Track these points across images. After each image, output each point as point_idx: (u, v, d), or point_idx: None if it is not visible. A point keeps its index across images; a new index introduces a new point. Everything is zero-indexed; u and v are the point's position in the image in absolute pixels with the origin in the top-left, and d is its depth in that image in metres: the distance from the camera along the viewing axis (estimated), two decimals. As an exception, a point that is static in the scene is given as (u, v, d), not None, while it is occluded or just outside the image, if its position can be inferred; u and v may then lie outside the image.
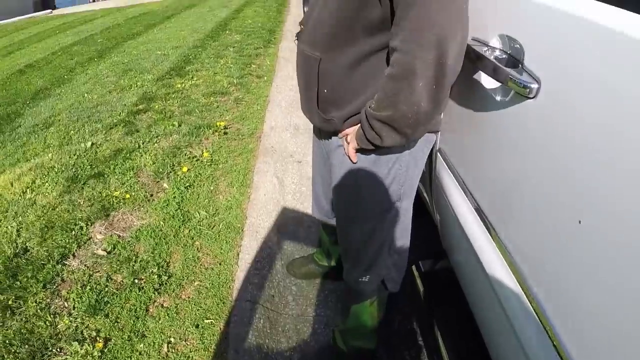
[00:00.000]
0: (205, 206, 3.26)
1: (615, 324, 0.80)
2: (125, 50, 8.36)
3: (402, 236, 1.68)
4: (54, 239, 2.93)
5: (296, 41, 1.55)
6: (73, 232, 2.98)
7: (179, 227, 3.03)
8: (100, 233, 2.97)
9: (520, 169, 1.12)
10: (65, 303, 2.45)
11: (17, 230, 3.06)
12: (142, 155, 3.92)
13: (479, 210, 1.37)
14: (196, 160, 3.86)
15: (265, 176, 3.73)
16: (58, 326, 2.31)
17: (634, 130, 0.74)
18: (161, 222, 3.07)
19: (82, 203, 3.29)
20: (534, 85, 0.99)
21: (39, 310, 2.39)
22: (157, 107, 5.09)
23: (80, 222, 3.06)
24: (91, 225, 3.06)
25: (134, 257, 2.77)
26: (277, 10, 12.25)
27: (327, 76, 1.41)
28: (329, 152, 1.64)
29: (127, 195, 3.32)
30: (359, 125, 1.37)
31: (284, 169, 3.88)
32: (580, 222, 0.87)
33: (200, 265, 2.73)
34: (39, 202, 3.36)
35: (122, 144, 4.17)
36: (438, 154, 1.69)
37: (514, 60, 1.11)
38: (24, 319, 2.35)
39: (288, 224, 3.14)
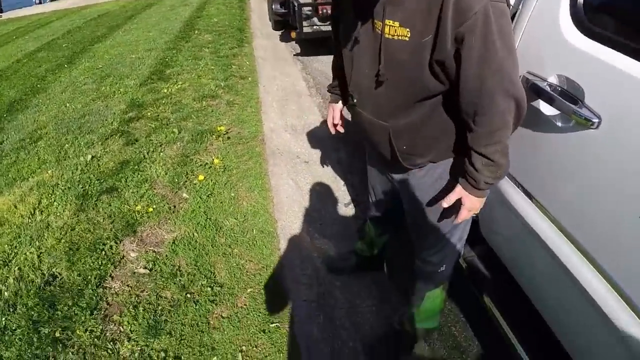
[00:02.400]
0: (232, 213, 3.24)
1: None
2: (96, 55, 8.13)
3: (468, 229, 1.93)
4: (83, 262, 2.85)
5: (352, 105, 1.71)
6: (103, 252, 2.91)
7: (214, 236, 3.01)
8: (133, 250, 2.91)
9: (585, 184, 1.41)
10: (121, 327, 2.40)
11: (39, 256, 2.96)
12: (151, 166, 3.84)
13: (549, 217, 1.61)
14: (209, 168, 3.82)
15: (280, 179, 3.74)
16: (120, 352, 2.26)
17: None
18: (194, 233, 3.03)
19: (102, 221, 3.21)
20: (596, 120, 1.29)
21: (95, 339, 2.33)
22: (149, 114, 4.99)
23: (107, 241, 2.99)
24: (120, 243, 2.99)
25: (178, 272, 2.74)
26: (238, 7, 12.16)
27: (401, 137, 1.60)
28: (412, 179, 1.80)
29: (150, 209, 3.26)
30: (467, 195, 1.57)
31: (295, 170, 3.89)
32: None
33: (247, 272, 2.74)
34: (54, 223, 3.26)
35: (126, 155, 4.08)
36: None
37: (572, 97, 1.39)
38: (80, 350, 2.29)
39: (316, 223, 3.19)
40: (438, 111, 1.52)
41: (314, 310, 2.50)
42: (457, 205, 1.63)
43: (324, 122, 4.90)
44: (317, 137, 4.56)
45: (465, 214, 1.61)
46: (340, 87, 2.10)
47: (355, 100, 1.67)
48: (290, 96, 5.73)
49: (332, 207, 3.41)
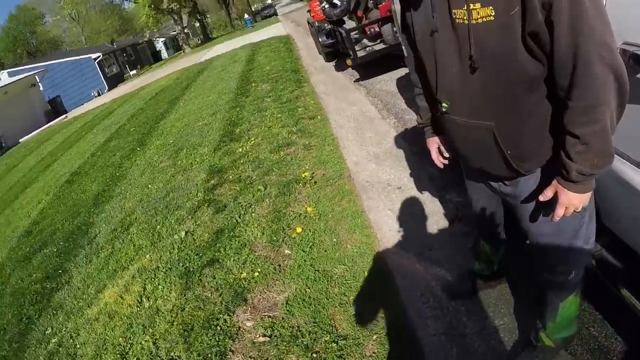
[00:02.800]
0: (339, 260, 3.09)
1: None
2: (164, 131, 8.37)
3: (594, 227, 1.78)
4: (200, 341, 2.76)
5: (443, 113, 1.62)
6: (218, 328, 2.81)
7: (326, 288, 2.86)
8: (248, 320, 2.79)
9: None
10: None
11: (154, 343, 2.91)
12: (246, 229, 3.76)
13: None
14: (304, 218, 3.69)
15: (378, 212, 3.57)
16: None
17: None
18: (306, 289, 2.89)
19: (210, 295, 3.13)
20: None
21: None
22: (231, 177, 4.97)
23: (220, 315, 2.89)
24: (233, 314, 2.88)
25: (298, 333, 2.60)
26: (286, 49, 12.34)
27: (507, 136, 1.49)
28: (516, 187, 1.70)
29: (256, 274, 3.15)
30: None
31: (390, 199, 3.72)
32: None
33: (367, 318, 2.57)
34: (163, 307, 3.21)
35: (218, 224, 4.02)
36: None
37: None
38: None
39: (425, 250, 3.01)
40: (543, 104, 1.43)
41: (445, 343, 2.33)
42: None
43: (404, 141, 4.75)
44: (402, 159, 4.39)
45: (561, 212, 1.50)
46: (429, 105, 1.96)
47: (446, 107, 1.59)
48: (363, 124, 5.63)
49: (437, 230, 3.21)
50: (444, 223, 3.25)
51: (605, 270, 2.04)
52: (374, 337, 2.45)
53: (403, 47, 1.85)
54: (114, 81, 35.91)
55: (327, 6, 7.09)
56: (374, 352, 2.36)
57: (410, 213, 3.49)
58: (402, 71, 7.27)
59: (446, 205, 3.44)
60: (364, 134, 5.31)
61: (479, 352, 2.24)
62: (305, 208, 3.82)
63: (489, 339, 2.30)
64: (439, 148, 2.06)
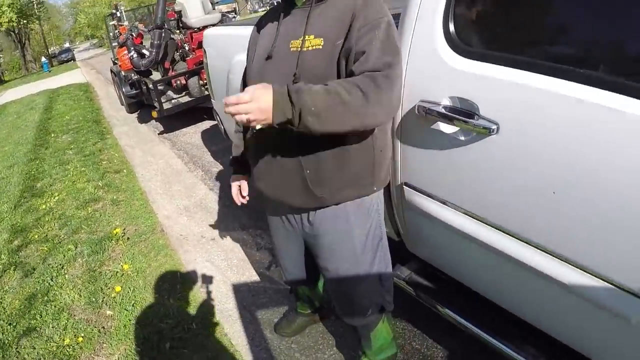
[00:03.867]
0: (164, 315, 3.20)
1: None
2: (-52, 187, 7.57)
3: (388, 266, 2.02)
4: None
5: (257, 133, 1.72)
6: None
7: (159, 346, 2.94)
8: (78, 389, 2.80)
9: (494, 178, 1.63)
10: None
11: None
12: (61, 292, 3.65)
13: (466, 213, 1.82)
14: (121, 276, 3.72)
15: (197, 264, 3.74)
16: None
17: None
18: (137, 349, 2.95)
19: (31, 368, 3.04)
20: (494, 126, 1.52)
21: None
22: (36, 236, 4.73)
23: (46, 389, 2.85)
24: (61, 386, 2.86)
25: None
26: (86, 98, 11.90)
27: (308, 157, 1.67)
28: (313, 225, 1.88)
29: (80, 339, 3.10)
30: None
31: (206, 251, 3.94)
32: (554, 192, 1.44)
33: None
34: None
35: (29, 289, 3.83)
36: (404, 187, 2.07)
37: (468, 112, 1.61)
38: None
39: (249, 296, 3.26)
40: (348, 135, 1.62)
41: None
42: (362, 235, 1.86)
43: (213, 193, 5.02)
44: (213, 210, 4.65)
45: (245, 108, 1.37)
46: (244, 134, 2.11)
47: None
48: (170, 177, 5.74)
49: (256, 274, 3.49)
50: (262, 269, 3.54)
51: (417, 290, 2.30)
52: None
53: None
54: None
55: (135, 56, 7.11)
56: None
57: (229, 262, 3.72)
58: (207, 124, 7.53)
59: (262, 251, 3.76)
60: (172, 187, 5.43)
61: None
62: (122, 265, 3.84)
63: None
64: (240, 187, 2.21)
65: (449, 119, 1.67)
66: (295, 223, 1.96)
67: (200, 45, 7.44)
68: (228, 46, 3.73)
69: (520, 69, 1.47)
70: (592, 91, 1.29)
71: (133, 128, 8.41)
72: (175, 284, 3.52)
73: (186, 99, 7.42)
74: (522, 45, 1.57)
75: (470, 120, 1.58)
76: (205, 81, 7.23)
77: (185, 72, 7.36)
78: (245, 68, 2.01)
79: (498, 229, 1.68)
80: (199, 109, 7.68)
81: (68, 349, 3.07)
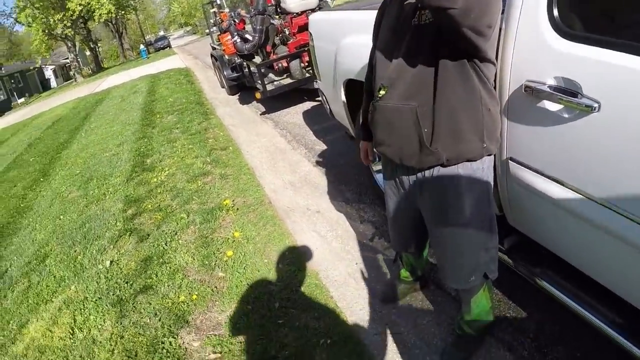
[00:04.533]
0: (274, 278, 3.21)
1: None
2: (68, 162, 8.03)
3: (494, 235, 2.04)
4: (147, 366, 2.77)
5: (378, 102, 1.88)
6: (165, 351, 2.81)
7: (267, 305, 2.96)
8: (194, 340, 2.83)
9: (595, 153, 1.66)
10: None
11: (96, 375, 2.86)
12: (175, 256, 3.77)
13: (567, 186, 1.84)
14: (232, 242, 3.78)
15: (303, 234, 3.74)
16: None
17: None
18: (247, 307, 2.98)
19: (149, 321, 3.11)
20: (596, 104, 1.56)
21: None
22: (149, 206, 4.92)
23: (164, 339, 2.89)
24: (177, 337, 2.90)
25: (248, 347, 2.68)
26: (187, 82, 12.28)
27: (426, 117, 1.74)
28: (427, 186, 1.94)
29: (194, 296, 3.18)
30: None
31: (312, 222, 3.91)
32: None
33: (312, 329, 2.72)
34: (99, 337, 3.13)
35: (145, 252, 3.99)
36: (510, 161, 2.11)
37: (572, 91, 1.66)
38: None
39: (352, 264, 3.25)
40: (457, 96, 1.72)
41: (386, 341, 2.55)
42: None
43: (317, 169, 5.01)
44: (318, 186, 4.62)
45: None
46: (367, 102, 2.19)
47: (382, 94, 1.83)
48: (275, 155, 5.78)
49: (359, 245, 3.45)
50: (365, 240, 3.48)
51: (516, 263, 2.31)
52: (321, 341, 2.60)
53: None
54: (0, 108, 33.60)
55: (238, 40, 7.25)
56: (323, 358, 2.50)
57: (333, 233, 3.68)
58: (307, 105, 7.54)
59: (365, 224, 3.70)
60: (277, 163, 5.47)
61: (417, 345, 2.48)
62: (233, 233, 3.90)
63: (423, 334, 2.55)
64: (367, 151, 2.40)
65: (554, 98, 1.75)
66: (409, 187, 2.03)
67: (300, 29, 7.48)
68: (336, 30, 3.74)
69: (621, 51, 1.53)
70: None
71: (235, 109, 8.58)
72: (284, 250, 3.52)
73: (288, 80, 7.46)
74: (622, 29, 1.66)
75: (574, 98, 1.66)
76: (306, 63, 7.28)
77: (287, 55, 7.40)
78: (372, 48, 2.10)
79: (600, 204, 1.72)
80: (300, 91, 7.71)
81: (182, 305, 3.15)
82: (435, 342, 2.48)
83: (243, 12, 8.49)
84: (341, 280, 3.09)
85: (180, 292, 3.30)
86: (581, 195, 1.80)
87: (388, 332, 2.60)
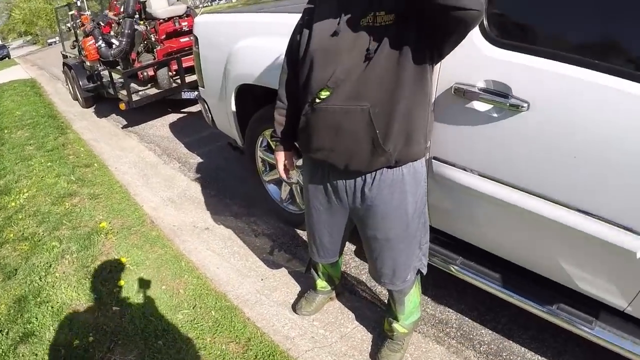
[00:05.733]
0: (177, 306, 2.94)
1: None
2: None
3: (427, 231, 2.14)
4: None
5: (319, 105, 1.80)
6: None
7: (175, 338, 2.69)
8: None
9: (522, 149, 1.90)
10: None
11: None
12: (55, 292, 3.25)
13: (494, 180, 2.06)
14: (120, 270, 3.38)
15: (200, 254, 3.52)
16: None
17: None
18: (157, 343, 2.68)
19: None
20: (525, 104, 1.80)
21: None
22: (11, 236, 4.24)
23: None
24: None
25: None
26: (35, 94, 11.16)
27: (379, 118, 1.73)
28: (370, 194, 1.93)
29: (90, 339, 2.76)
30: None
31: (204, 240, 3.71)
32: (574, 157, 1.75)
33: (233, 354, 2.57)
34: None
35: (16, 291, 3.36)
36: (433, 160, 2.26)
37: (502, 93, 1.87)
38: None
39: (258, 282, 3.14)
40: (413, 98, 1.74)
41: (320, 355, 2.49)
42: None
43: (196, 184, 4.79)
44: (199, 200, 4.43)
45: None
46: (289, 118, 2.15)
47: (325, 96, 1.77)
48: (146, 170, 5.38)
49: (261, 260, 3.36)
50: (265, 254, 3.39)
51: (432, 256, 2.45)
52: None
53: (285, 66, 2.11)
54: None
55: (103, 45, 6.66)
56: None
57: (230, 250, 3.51)
58: (173, 117, 7.18)
59: (260, 237, 3.62)
60: (151, 179, 5.08)
61: (348, 354, 2.47)
62: (118, 259, 3.51)
63: (352, 341, 2.56)
64: (287, 161, 2.28)
65: (484, 99, 1.92)
66: (345, 197, 2.01)
67: (168, 36, 7.08)
68: (229, 33, 3.53)
69: (548, 58, 1.78)
70: (600, 76, 1.64)
71: (93, 122, 7.87)
72: (181, 273, 3.26)
73: (154, 90, 6.97)
74: (548, 38, 1.88)
75: (504, 99, 1.86)
76: (174, 72, 6.91)
77: (155, 63, 6.90)
78: (290, 48, 2.06)
79: (525, 192, 1.97)
80: (163, 102, 7.23)
81: (78, 352, 2.74)
82: (365, 347, 2.51)
83: (111, 14, 7.80)
84: (253, 299, 2.93)
85: (73, 336, 2.85)
86: (509, 187, 2.01)
87: (318, 346, 2.53)
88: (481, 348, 2.48)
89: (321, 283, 2.73)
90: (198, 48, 3.88)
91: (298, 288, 3.01)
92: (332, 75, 1.74)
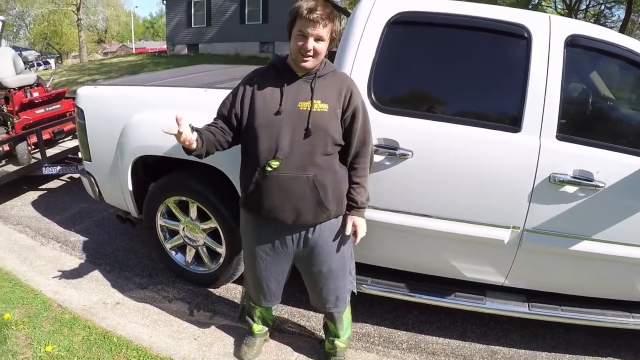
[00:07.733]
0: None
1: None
2: None
3: (354, 258, 2.71)
4: None
5: (270, 173, 2.25)
6: None
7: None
8: None
9: (411, 185, 2.87)
10: None
11: None
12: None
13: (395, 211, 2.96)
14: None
15: (125, 328, 3.56)
16: None
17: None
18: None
19: None
20: (410, 153, 2.73)
21: None
22: None
23: None
24: None
25: None
26: None
27: (321, 184, 2.29)
28: (315, 237, 2.44)
29: None
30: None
31: (122, 314, 3.74)
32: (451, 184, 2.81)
33: None
34: None
35: None
36: None
37: (391, 147, 2.78)
38: None
39: (194, 341, 3.33)
40: (338, 166, 2.40)
41: None
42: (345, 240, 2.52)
43: (88, 261, 4.68)
44: (96, 278, 4.34)
45: (363, 233, 2.47)
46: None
47: (276, 166, 2.22)
48: (25, 254, 4.98)
49: (186, 322, 3.54)
50: (186, 316, 3.61)
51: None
52: None
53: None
54: None
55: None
56: None
57: (151, 319, 3.60)
58: (33, 194, 6.59)
59: (175, 302, 3.81)
60: (35, 263, 4.72)
61: None
62: (42, 349, 3.38)
63: None
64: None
65: (379, 152, 2.74)
66: (291, 245, 2.45)
67: (23, 107, 6.62)
68: (124, 105, 3.64)
69: (422, 118, 2.79)
70: (463, 128, 2.73)
71: (-64, 216, 7.07)
72: (117, 349, 3.27)
73: (13, 167, 6.33)
74: (414, 103, 2.96)
75: (394, 150, 2.73)
76: (33, 146, 6.41)
77: (13, 138, 6.30)
78: (222, 111, 2.43)
79: (419, 215, 2.86)
80: (16, 181, 6.64)
81: None
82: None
83: None
84: (198, 356, 3.10)
85: None
86: (406, 214, 2.86)
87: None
88: (403, 346, 3.16)
89: (258, 327, 3.00)
90: (84, 121, 3.83)
91: (231, 338, 3.25)
92: (278, 148, 2.19)
